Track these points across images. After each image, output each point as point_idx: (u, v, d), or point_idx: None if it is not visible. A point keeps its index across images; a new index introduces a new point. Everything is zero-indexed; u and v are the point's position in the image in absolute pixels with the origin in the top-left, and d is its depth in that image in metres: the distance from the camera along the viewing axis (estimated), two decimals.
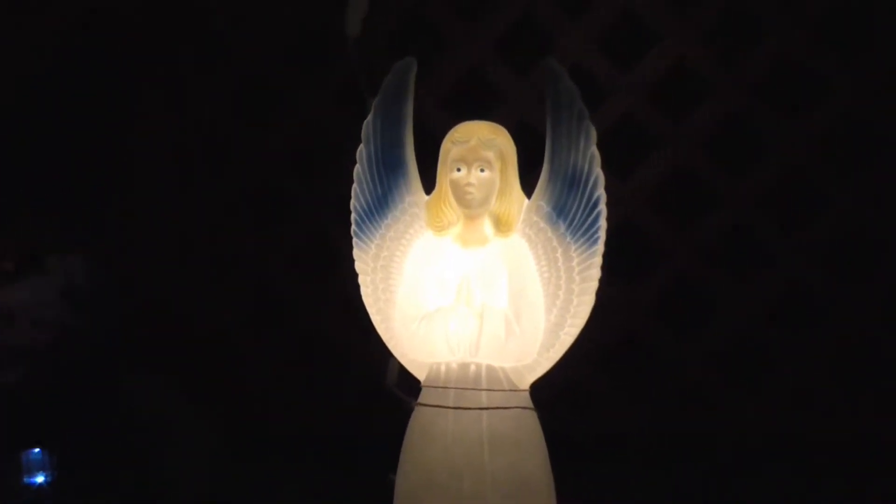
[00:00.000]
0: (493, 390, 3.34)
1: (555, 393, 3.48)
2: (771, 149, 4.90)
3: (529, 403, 3.38)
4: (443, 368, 3.35)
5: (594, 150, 3.27)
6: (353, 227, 3.45)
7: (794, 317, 4.98)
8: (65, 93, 5.14)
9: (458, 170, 3.29)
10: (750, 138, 4.85)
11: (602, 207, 3.27)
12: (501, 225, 3.33)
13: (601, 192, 3.26)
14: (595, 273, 3.30)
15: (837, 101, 4.86)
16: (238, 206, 5.00)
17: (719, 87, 4.85)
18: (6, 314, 4.61)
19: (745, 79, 4.86)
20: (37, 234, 4.89)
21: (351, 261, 3.48)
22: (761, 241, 4.96)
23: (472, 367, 3.32)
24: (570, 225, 3.32)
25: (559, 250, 3.32)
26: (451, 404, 3.32)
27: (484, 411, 3.29)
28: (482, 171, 3.27)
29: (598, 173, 3.27)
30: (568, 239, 3.31)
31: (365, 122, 3.40)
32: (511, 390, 3.35)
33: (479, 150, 3.29)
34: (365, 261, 3.46)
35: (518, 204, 3.36)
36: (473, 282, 3.32)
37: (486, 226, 3.34)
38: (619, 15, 4.80)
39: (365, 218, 3.44)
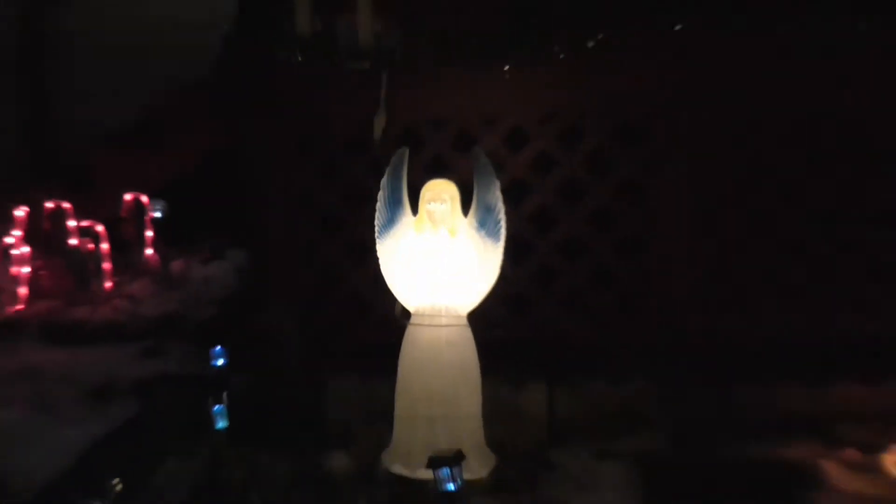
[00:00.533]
0: (450, 316, 5.03)
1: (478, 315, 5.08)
2: None
3: (467, 323, 5.08)
4: (426, 307, 5.05)
5: (498, 192, 5.04)
6: (376, 233, 5.10)
7: None
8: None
9: (430, 203, 4.99)
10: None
11: (503, 223, 5.02)
12: (452, 231, 5.03)
13: (503, 215, 5.02)
14: (499, 255, 5.05)
15: None
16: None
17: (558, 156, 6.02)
18: (206, 280, 6.63)
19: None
20: (219, 238, 6.90)
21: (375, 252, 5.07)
22: None
23: (440, 307, 5.04)
24: (487, 232, 5.07)
25: (481, 244, 5.06)
26: (426, 323, 5.01)
27: (444, 328, 5.02)
28: (442, 204, 5.00)
29: (501, 205, 5.03)
30: (486, 238, 5.07)
31: (382, 181, 5.09)
32: (458, 317, 5.05)
33: (441, 193, 5.01)
34: (382, 250, 5.11)
35: (460, 220, 5.07)
36: (438, 258, 5.00)
37: (443, 231, 5.04)
38: (510, 131, 6.02)
39: (381, 229, 5.10)
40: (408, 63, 5.88)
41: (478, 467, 5.06)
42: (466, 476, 4.70)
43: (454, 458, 4.48)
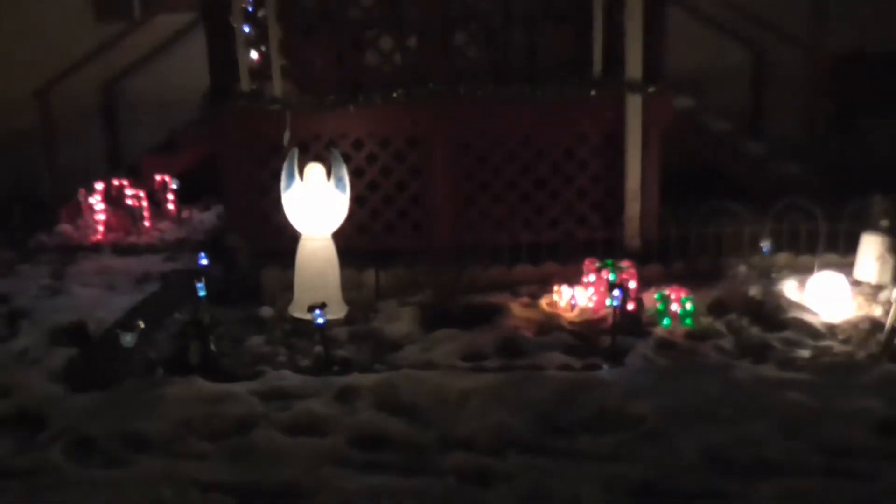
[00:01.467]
0: (324, 237, 4.97)
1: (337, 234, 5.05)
2: None
3: (330, 238, 4.99)
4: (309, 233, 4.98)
5: (344, 170, 4.93)
6: (282, 192, 4.97)
7: None
8: None
9: (310, 175, 4.88)
10: None
11: (347, 186, 4.93)
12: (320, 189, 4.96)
13: (347, 181, 4.94)
14: (346, 202, 4.96)
15: None
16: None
17: None
18: (202, 221, 6.75)
19: None
20: (208, 199, 6.77)
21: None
22: None
23: (317, 230, 4.96)
24: (339, 189, 4.95)
25: (336, 196, 4.94)
26: (307, 240, 4.97)
27: (318, 242, 4.95)
28: (316, 175, 4.91)
29: (346, 175, 4.94)
30: (339, 193, 4.95)
31: (284, 164, 4.97)
32: (326, 236, 4.99)
33: (316, 170, 4.91)
34: (285, 202, 4.97)
35: (325, 184, 4.96)
36: (314, 204, 4.90)
37: (316, 189, 4.93)
38: (354, 141, 5.83)
39: (284, 190, 4.95)
40: (300, 107, 5.68)
41: (338, 311, 4.99)
42: (331, 316, 4.63)
43: (322, 305, 4.38)
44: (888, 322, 4.27)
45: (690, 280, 5.19)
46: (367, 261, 5.52)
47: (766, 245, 5.31)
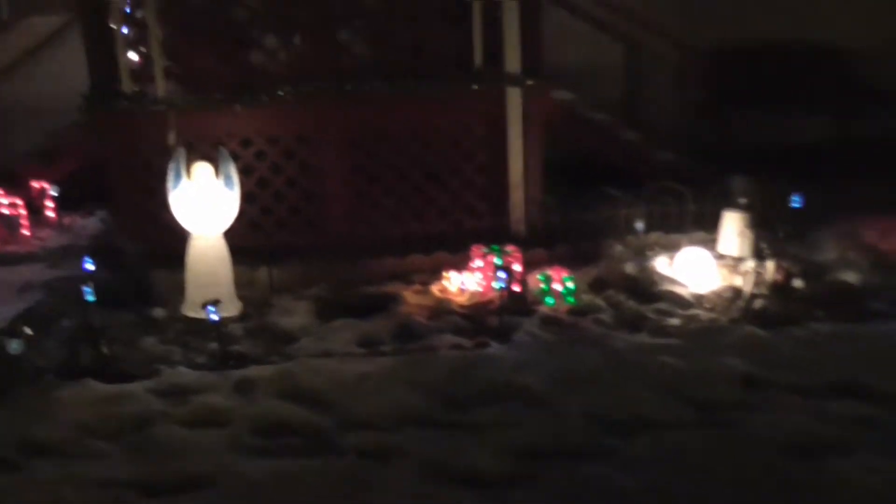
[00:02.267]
0: (214, 236, 4.98)
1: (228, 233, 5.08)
2: None
3: (222, 237, 4.99)
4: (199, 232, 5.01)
5: (232, 168, 4.98)
6: (169, 193, 4.94)
7: None
8: None
9: (197, 174, 4.87)
10: None
11: (236, 183, 4.97)
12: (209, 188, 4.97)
13: (236, 179, 4.98)
14: (237, 200, 4.99)
15: None
16: None
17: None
18: (84, 227, 6.50)
19: None
20: (91, 204, 6.44)
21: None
22: None
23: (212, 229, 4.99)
24: (228, 187, 4.97)
25: (226, 194, 4.96)
26: (197, 239, 4.97)
27: (208, 240, 4.96)
28: (204, 174, 4.92)
29: (235, 174, 4.99)
30: (228, 190, 4.97)
31: (170, 164, 4.98)
32: (217, 235, 5.01)
33: (203, 168, 4.92)
34: (172, 202, 4.94)
35: (214, 182, 4.98)
36: (203, 203, 4.90)
37: (204, 188, 4.93)
38: (242, 139, 5.83)
39: (171, 190, 4.93)
40: (184, 107, 5.61)
41: (232, 308, 5.01)
42: (224, 314, 4.64)
43: (215, 302, 4.40)
44: (747, 290, 4.64)
45: (572, 261, 5.49)
46: (260, 258, 5.51)
47: (639, 225, 5.64)
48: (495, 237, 5.62)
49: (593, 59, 8.33)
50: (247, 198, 5.64)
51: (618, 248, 5.49)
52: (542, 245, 5.82)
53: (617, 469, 3.06)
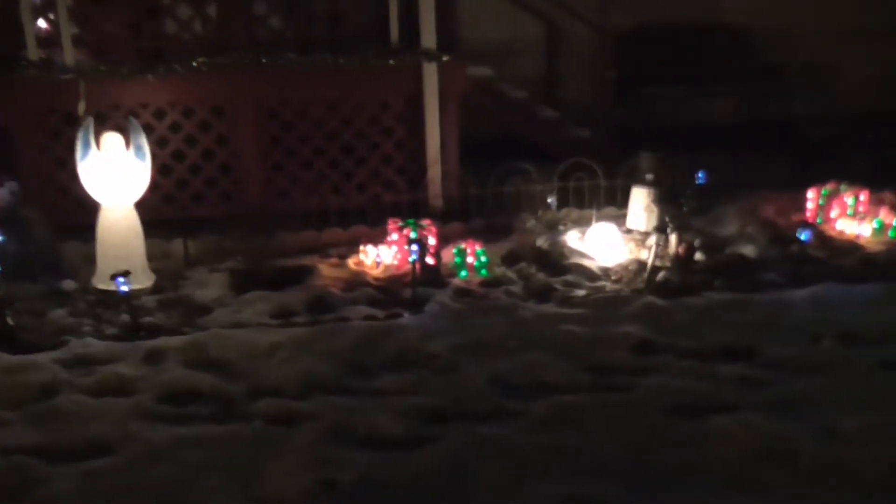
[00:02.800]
0: (125, 207, 4.93)
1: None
2: None
3: (133, 208, 4.98)
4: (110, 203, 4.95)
5: (143, 139, 4.95)
6: (77, 163, 4.87)
7: None
8: None
9: (106, 144, 4.85)
10: None
11: (147, 154, 4.93)
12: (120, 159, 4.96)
13: (147, 150, 4.94)
14: (148, 170, 4.95)
15: None
16: None
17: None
18: None
19: None
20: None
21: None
22: None
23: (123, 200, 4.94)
24: (139, 158, 4.91)
25: (136, 164, 4.92)
26: (107, 210, 4.91)
27: (119, 212, 4.92)
28: (114, 144, 4.86)
29: (146, 144, 4.94)
30: (139, 161, 4.93)
31: (78, 133, 4.88)
32: (128, 206, 4.97)
33: (112, 139, 4.87)
34: (81, 172, 4.85)
35: (125, 153, 4.95)
36: (113, 173, 4.86)
37: (114, 158, 4.91)
38: (156, 110, 5.83)
39: (80, 160, 4.86)
40: (94, 76, 5.54)
41: (144, 280, 5.01)
42: (137, 286, 4.66)
43: (125, 273, 4.38)
44: (649, 262, 4.86)
45: (488, 235, 5.63)
46: (176, 231, 5.51)
47: (552, 201, 5.81)
48: (414, 211, 5.72)
49: (512, 35, 8.45)
50: (162, 170, 5.66)
51: (531, 223, 5.63)
52: (458, 219, 5.97)
53: (515, 430, 3.19)
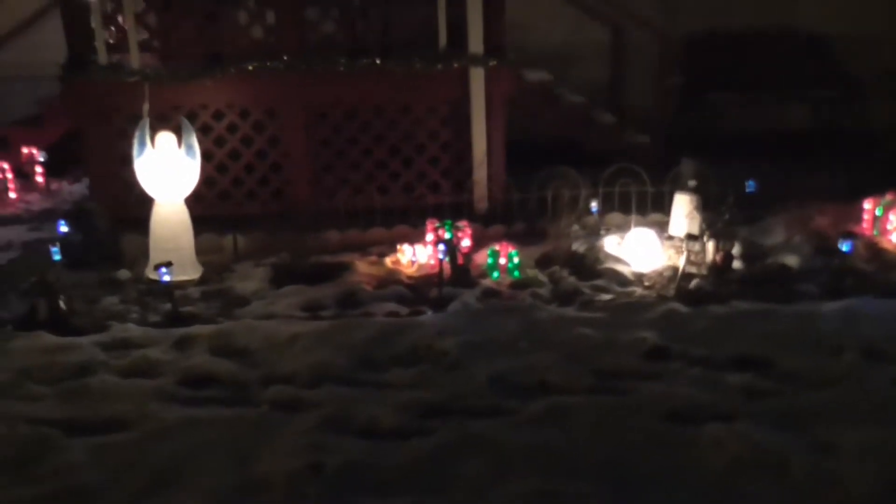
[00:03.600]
0: (176, 202, 5.23)
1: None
2: None
3: (184, 203, 5.26)
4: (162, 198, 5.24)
5: (194, 138, 5.21)
6: (134, 160, 5.22)
7: None
8: None
9: (161, 142, 5.11)
10: None
11: (197, 153, 5.18)
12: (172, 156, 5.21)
13: (197, 148, 5.20)
14: (197, 168, 5.20)
15: None
16: None
17: None
18: (71, 192, 6.88)
19: None
20: (77, 171, 6.55)
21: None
22: None
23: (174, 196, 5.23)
24: (190, 157, 5.19)
25: (188, 162, 5.18)
26: (160, 205, 5.22)
27: (170, 207, 5.21)
28: (168, 142, 5.14)
29: (195, 140, 5.20)
30: (190, 160, 5.19)
31: (135, 133, 5.20)
32: (179, 202, 5.25)
33: (168, 137, 5.15)
34: (137, 168, 5.18)
35: (177, 151, 5.20)
36: (166, 170, 5.14)
37: (168, 157, 5.18)
38: (214, 112, 6.15)
39: (136, 158, 5.16)
40: (157, 79, 5.86)
41: (192, 272, 5.24)
42: (184, 277, 4.94)
43: (167, 264, 4.63)
44: (680, 269, 4.82)
45: (528, 238, 5.69)
46: (230, 226, 5.75)
47: (594, 205, 5.82)
48: (458, 213, 5.81)
49: (575, 40, 8.47)
50: (219, 168, 5.91)
51: (572, 227, 5.64)
52: (501, 222, 6.01)
53: (505, 428, 3.25)
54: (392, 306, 4.65)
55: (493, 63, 5.98)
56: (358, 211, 5.96)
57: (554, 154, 6.16)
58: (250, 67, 5.84)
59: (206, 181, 6.16)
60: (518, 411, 3.42)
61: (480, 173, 6.16)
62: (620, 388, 3.62)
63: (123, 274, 5.28)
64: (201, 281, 5.21)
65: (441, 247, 4.67)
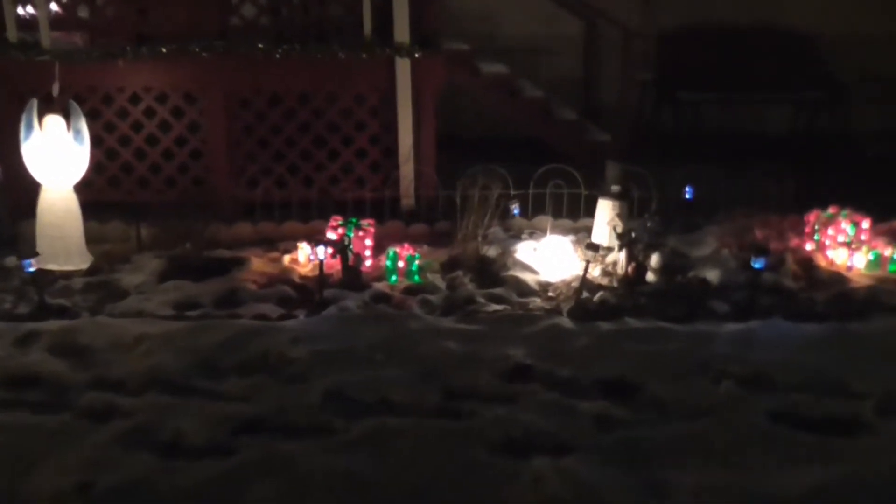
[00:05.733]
0: (64, 189, 5.05)
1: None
2: None
3: (72, 189, 5.05)
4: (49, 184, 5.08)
5: (83, 120, 5.03)
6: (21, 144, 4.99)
7: None
8: None
9: (48, 125, 4.98)
10: None
11: (86, 138, 5.01)
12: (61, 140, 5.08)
13: (86, 133, 5.03)
14: (87, 154, 5.03)
15: None
16: None
17: None
18: None
19: None
20: None
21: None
22: None
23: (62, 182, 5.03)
24: (78, 142, 5.00)
25: (76, 147, 5.01)
26: (46, 191, 5.04)
27: (57, 193, 5.01)
28: (56, 126, 4.99)
29: (84, 125, 5.02)
30: (78, 144, 5.01)
31: (23, 114, 5.02)
32: (67, 188, 5.07)
33: (56, 119, 4.98)
34: (24, 153, 4.99)
35: (66, 135, 5.05)
36: (53, 155, 4.97)
37: (55, 141, 5.01)
38: (129, 95, 5.99)
39: (23, 141, 4.97)
40: (69, 59, 5.71)
41: (80, 262, 5.08)
42: (70, 267, 4.77)
43: (33, 253, 4.45)
44: (581, 279, 4.52)
45: (448, 239, 5.39)
46: (146, 215, 5.59)
47: (515, 207, 5.53)
48: (381, 210, 5.67)
49: (550, 33, 8.27)
50: (137, 154, 5.78)
51: (484, 230, 5.33)
52: (425, 221, 5.76)
53: (320, 450, 3.01)
54: (268, 308, 4.42)
55: (419, 54, 5.69)
56: (277, 203, 5.75)
57: (520, 151, 5.98)
58: (164, 49, 5.59)
59: (122, 167, 6.04)
60: (341, 431, 3.19)
61: (406, 169, 5.92)
62: (464, 410, 3.35)
63: (11, 261, 5.08)
64: (90, 271, 5.01)
65: (320, 247, 4.41)
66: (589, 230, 5.36)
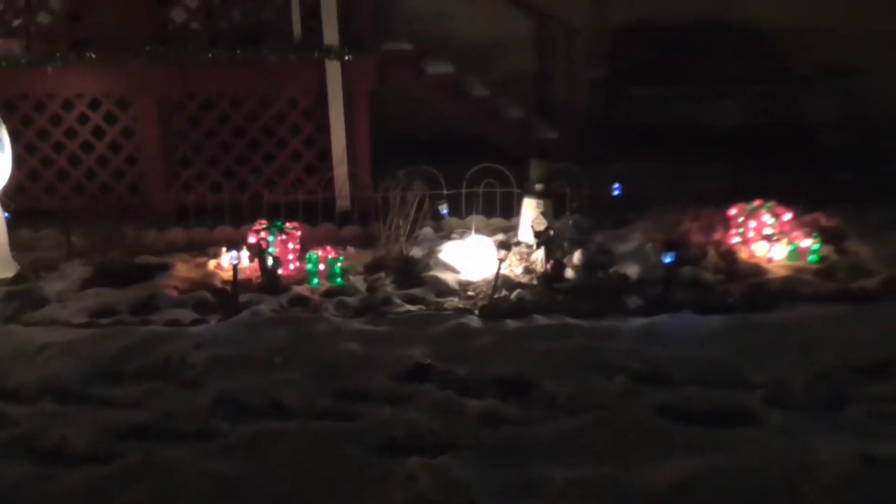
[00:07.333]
0: None
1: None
2: None
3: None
4: None
5: (3, 128, 4.99)
6: None
7: None
8: None
9: None
10: None
11: (7, 143, 4.99)
12: None
13: (7, 141, 5.01)
14: (9, 163, 5.01)
15: None
16: None
17: None
18: None
19: None
20: None
21: None
22: None
23: None
24: (2, 148, 4.98)
25: None
26: None
27: None
28: None
29: (5, 133, 4.98)
30: (1, 151, 5.06)
31: None
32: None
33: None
34: None
35: None
36: None
37: None
38: (90, 101, 6.01)
39: None
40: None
41: (5, 271, 5.06)
42: None
43: None
44: (496, 278, 4.54)
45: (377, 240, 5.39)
46: (80, 221, 5.54)
47: (443, 207, 5.56)
48: (315, 213, 5.68)
49: (501, 30, 8.22)
50: (71, 160, 5.82)
51: (407, 230, 5.34)
52: (358, 223, 5.79)
53: (199, 455, 3.04)
54: (184, 313, 4.44)
55: (349, 56, 5.71)
56: (212, 208, 5.76)
57: (476, 151, 5.91)
58: (93, 55, 5.61)
59: (58, 174, 6.06)
60: (224, 435, 3.20)
61: (340, 171, 5.93)
62: (354, 412, 3.38)
63: None
64: (14, 280, 5.01)
65: (233, 252, 4.44)
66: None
